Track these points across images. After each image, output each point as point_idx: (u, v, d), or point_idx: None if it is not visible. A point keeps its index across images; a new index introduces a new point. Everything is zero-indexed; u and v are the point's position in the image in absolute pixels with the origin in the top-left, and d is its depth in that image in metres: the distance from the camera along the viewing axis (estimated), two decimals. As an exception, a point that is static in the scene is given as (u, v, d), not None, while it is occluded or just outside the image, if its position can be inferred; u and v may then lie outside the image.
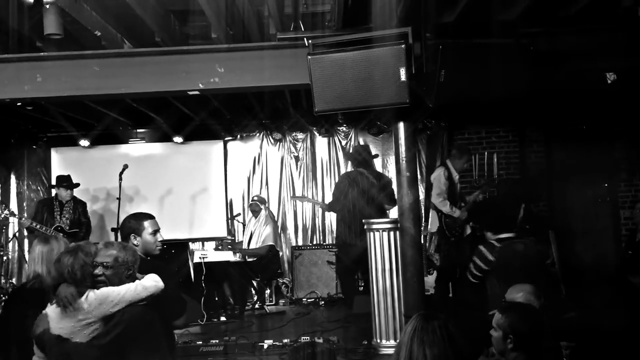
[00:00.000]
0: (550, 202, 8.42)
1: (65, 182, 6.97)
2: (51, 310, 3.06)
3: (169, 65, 5.00)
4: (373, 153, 7.23)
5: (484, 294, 4.60)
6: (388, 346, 4.84)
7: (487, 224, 4.75)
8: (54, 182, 7.27)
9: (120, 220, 4.22)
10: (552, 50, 4.68)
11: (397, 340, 3.98)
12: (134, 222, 3.63)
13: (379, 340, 4.99)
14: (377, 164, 8.52)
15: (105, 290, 3.05)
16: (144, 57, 5.01)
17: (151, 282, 3.11)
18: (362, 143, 8.54)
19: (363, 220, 5.49)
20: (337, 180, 7.75)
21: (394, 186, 5.30)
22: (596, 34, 4.76)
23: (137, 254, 3.29)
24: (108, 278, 3.12)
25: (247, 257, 7.19)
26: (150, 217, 3.69)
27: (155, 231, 3.64)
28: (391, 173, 8.31)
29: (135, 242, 3.53)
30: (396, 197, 5.77)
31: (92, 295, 3.02)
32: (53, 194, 7.18)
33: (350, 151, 7.99)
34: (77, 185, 7.11)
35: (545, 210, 8.35)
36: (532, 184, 8.29)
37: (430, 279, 6.53)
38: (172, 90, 5.24)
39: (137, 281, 3.11)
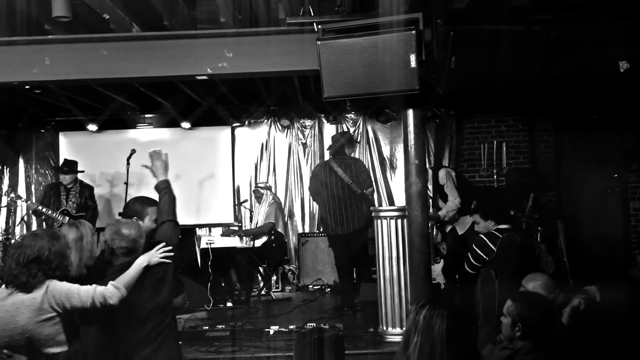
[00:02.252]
0: (559, 192, 8.37)
1: (66, 166, 6.95)
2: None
3: (177, 50, 4.97)
4: (354, 139, 7.21)
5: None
6: (394, 334, 4.85)
7: (491, 213, 4.66)
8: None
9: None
10: (564, 37, 4.62)
11: (404, 328, 3.97)
12: (139, 206, 3.63)
13: (385, 328, 4.99)
14: (386, 151, 8.55)
15: (66, 285, 2.97)
16: (153, 41, 4.97)
17: (99, 293, 2.98)
18: (370, 131, 8.54)
19: (371, 208, 5.50)
20: None
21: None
22: (608, 21, 4.70)
23: (118, 234, 3.21)
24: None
25: (253, 242, 7.19)
26: (155, 203, 3.68)
27: (157, 219, 3.63)
28: (400, 161, 8.30)
29: None
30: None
31: (53, 286, 2.93)
32: (60, 179, 7.18)
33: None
34: (80, 171, 7.08)
35: (554, 200, 8.31)
36: (541, 173, 8.25)
37: (437, 267, 6.50)
38: (180, 74, 5.22)
39: (90, 286, 3.00)
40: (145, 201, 3.70)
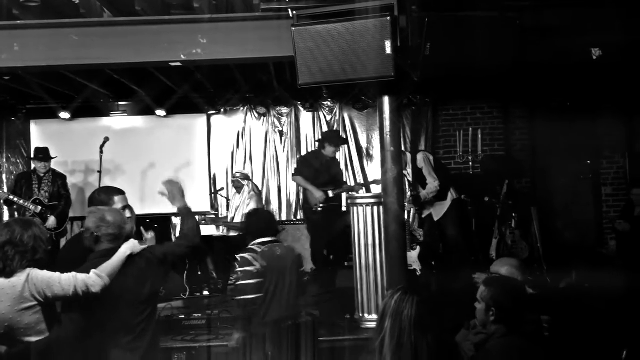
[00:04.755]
0: (534, 178, 8.47)
1: (41, 154, 6.87)
2: None
3: (150, 36, 4.89)
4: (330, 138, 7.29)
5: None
6: (371, 320, 4.86)
7: (250, 231, 4.40)
8: (32, 155, 7.16)
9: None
10: (539, 24, 4.65)
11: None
12: (105, 196, 3.60)
13: (361, 314, 5.02)
14: (362, 138, 8.59)
15: (47, 274, 2.97)
16: (124, 26, 4.89)
17: (81, 281, 2.98)
18: (346, 119, 8.55)
19: (346, 195, 5.53)
20: None
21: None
22: (582, 9, 4.73)
23: (104, 221, 3.20)
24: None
25: (230, 231, 7.15)
26: (120, 192, 3.67)
27: (125, 207, 3.60)
28: (376, 148, 8.31)
29: None
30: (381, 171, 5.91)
31: (34, 275, 2.94)
32: (32, 167, 7.07)
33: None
34: (53, 157, 6.99)
35: (529, 186, 8.41)
36: (516, 160, 8.34)
37: (413, 254, 6.56)
38: (153, 61, 5.14)
39: (71, 274, 3.01)
40: (109, 191, 3.69)
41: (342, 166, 7.98)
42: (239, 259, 4.09)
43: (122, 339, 3.09)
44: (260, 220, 4.44)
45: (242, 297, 3.98)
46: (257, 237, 4.25)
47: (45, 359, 2.94)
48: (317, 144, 7.56)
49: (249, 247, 4.18)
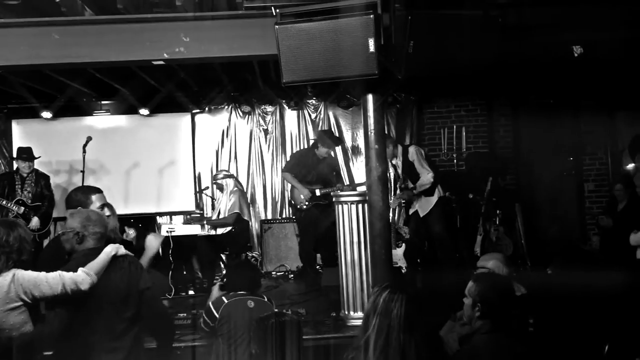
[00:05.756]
0: (517, 175, 8.53)
1: (25, 153, 6.80)
2: None
3: (132, 34, 4.87)
4: (324, 136, 7.37)
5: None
6: (356, 317, 4.87)
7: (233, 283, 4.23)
8: (15, 154, 7.08)
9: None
10: (521, 22, 4.69)
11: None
12: (82, 196, 3.58)
13: (347, 312, 5.02)
14: (347, 136, 8.60)
15: (33, 274, 2.95)
16: (106, 25, 4.87)
17: (69, 279, 2.96)
18: (331, 117, 8.57)
19: (332, 194, 5.53)
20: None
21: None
22: (564, 6, 4.77)
23: (90, 220, 3.19)
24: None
25: (216, 229, 7.12)
26: (98, 190, 3.66)
27: (103, 205, 3.59)
28: (361, 146, 8.33)
29: None
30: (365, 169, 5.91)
31: (20, 275, 2.92)
32: (15, 168, 6.99)
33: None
34: (37, 157, 6.93)
35: (513, 183, 8.47)
36: (500, 157, 8.40)
37: (398, 252, 6.59)
38: (136, 59, 5.12)
39: (56, 273, 2.98)
40: (86, 190, 3.69)
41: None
42: (209, 304, 4.03)
43: (103, 339, 3.07)
44: (241, 276, 4.29)
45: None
46: (234, 289, 4.12)
47: (28, 352, 2.93)
48: (311, 142, 7.64)
49: (221, 296, 4.07)
